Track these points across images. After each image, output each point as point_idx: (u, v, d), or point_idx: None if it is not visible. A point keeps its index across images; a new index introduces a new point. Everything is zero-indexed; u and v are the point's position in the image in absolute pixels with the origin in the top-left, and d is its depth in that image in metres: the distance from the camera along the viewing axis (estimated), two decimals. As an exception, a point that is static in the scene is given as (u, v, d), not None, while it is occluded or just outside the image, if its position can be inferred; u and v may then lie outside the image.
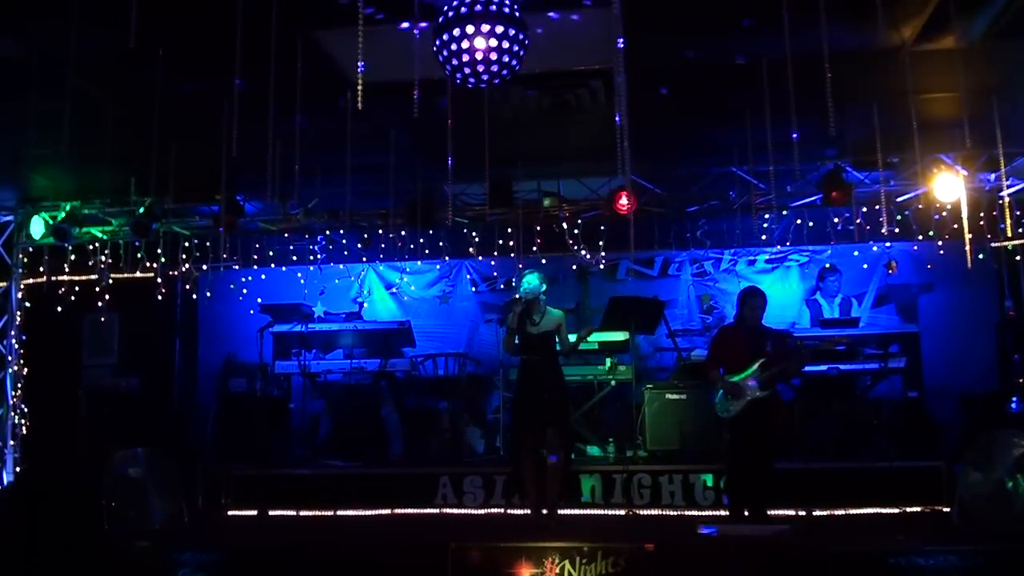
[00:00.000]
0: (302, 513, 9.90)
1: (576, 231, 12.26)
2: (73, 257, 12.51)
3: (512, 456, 9.15)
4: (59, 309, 12.62)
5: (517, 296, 8.51)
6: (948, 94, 8.44)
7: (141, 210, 11.68)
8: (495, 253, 12.70)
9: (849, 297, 11.62)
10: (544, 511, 8.48)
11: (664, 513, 9.40)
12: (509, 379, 11.25)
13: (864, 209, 11.72)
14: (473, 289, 13.56)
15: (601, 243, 12.32)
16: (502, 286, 13.34)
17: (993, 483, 7.47)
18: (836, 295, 11.52)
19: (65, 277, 12.67)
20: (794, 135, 8.35)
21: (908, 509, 9.03)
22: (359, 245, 12.76)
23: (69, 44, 7.40)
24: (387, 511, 9.79)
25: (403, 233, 12.33)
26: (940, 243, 11.83)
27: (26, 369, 12.52)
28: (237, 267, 13.17)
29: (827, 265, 11.77)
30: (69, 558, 7.72)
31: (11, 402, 12.11)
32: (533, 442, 8.52)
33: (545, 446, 8.45)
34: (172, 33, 7.96)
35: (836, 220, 12.06)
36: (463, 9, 5.94)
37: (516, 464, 8.85)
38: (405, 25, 7.55)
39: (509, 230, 12.36)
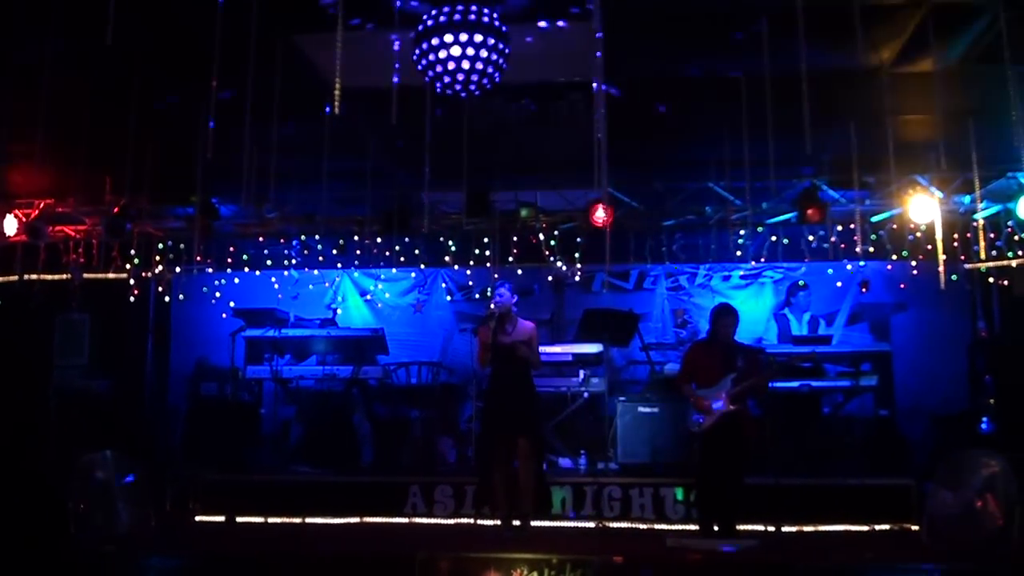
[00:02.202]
0: (270, 520, 9.84)
1: (553, 242, 12.27)
2: (46, 256, 12.39)
3: (480, 467, 9.12)
4: (31, 308, 12.51)
5: (491, 308, 8.48)
6: (924, 116, 8.50)
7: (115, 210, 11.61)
8: (471, 262, 12.67)
9: (817, 316, 11.68)
10: (516, 522, 8.46)
11: (634, 526, 9.39)
12: (482, 389, 11.20)
13: (839, 228, 11.80)
14: (448, 298, 13.52)
15: (577, 255, 12.34)
16: (477, 296, 13.30)
17: (962, 502, 7.51)
18: (805, 312, 11.58)
19: (37, 276, 12.56)
20: (770, 153, 8.42)
21: (877, 527, 9.05)
22: (334, 251, 12.73)
23: (46, 42, 7.35)
24: (356, 519, 9.74)
25: (379, 240, 12.29)
26: (914, 263, 11.90)
27: (-4, 367, 12.39)
28: (211, 270, 13.09)
29: (799, 282, 11.82)
30: (33, 562, 7.64)
31: (-22, 400, 11.97)
32: (503, 453, 8.49)
33: (516, 457, 8.44)
34: (150, 35, 7.93)
35: (811, 238, 12.14)
36: (444, 18, 5.95)
37: (484, 475, 8.82)
38: (388, 34, 7.54)
39: (486, 240, 12.34)
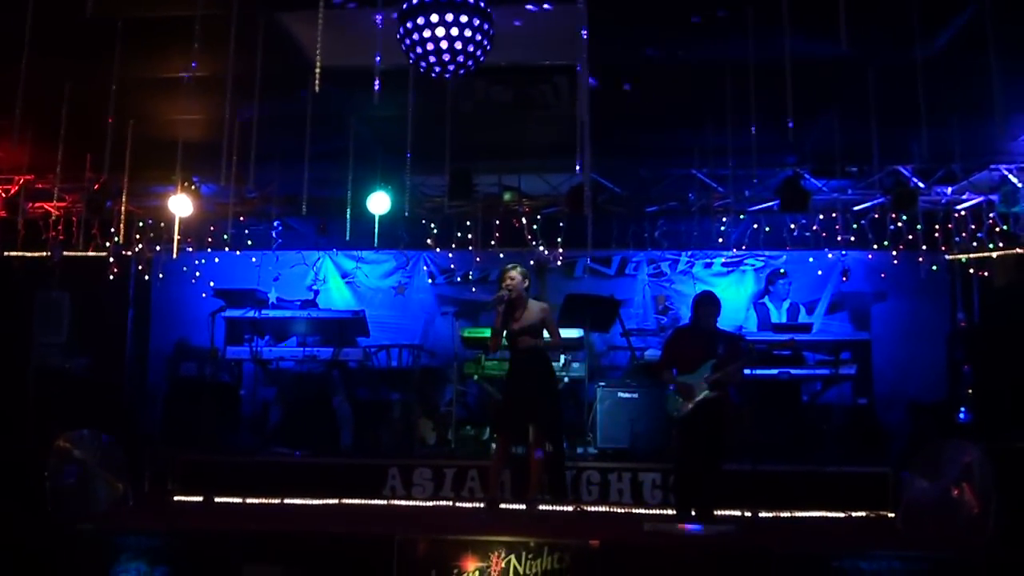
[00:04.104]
0: (249, 501, 9.80)
1: (535, 227, 12.27)
2: (25, 233, 12.29)
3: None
4: (10, 284, 12.45)
5: (498, 295, 8.43)
6: (905, 106, 8.51)
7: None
8: (453, 245, 12.68)
9: (797, 303, 11.74)
10: (524, 506, 8.54)
11: (612, 510, 9.42)
12: (463, 372, 11.24)
13: (821, 216, 11.85)
14: (430, 281, 13.51)
15: (559, 240, 12.35)
16: (459, 279, 13.33)
17: (939, 491, 7.55)
18: (784, 300, 11.62)
19: (17, 252, 12.48)
20: (753, 141, 8.42)
21: (854, 514, 9.09)
22: (316, 232, 12.69)
23: (25, 14, 7.27)
24: (335, 501, 9.73)
25: (361, 222, 12.24)
26: (895, 253, 11.95)
27: (-27, 345, 12.31)
28: (191, 249, 13.03)
29: (779, 270, 11.86)
30: (10, 540, 7.61)
31: (-43, 378, 11.89)
32: (509, 437, 8.55)
33: (527, 443, 8.46)
34: (130, 9, 7.87)
35: (792, 226, 12.18)
36: (427, -2, 5.92)
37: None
38: (371, 13, 7.49)
39: (468, 223, 12.35)
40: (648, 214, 12.38)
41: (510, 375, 8.65)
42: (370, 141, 10.76)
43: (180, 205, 11.25)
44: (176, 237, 10.73)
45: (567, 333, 11.02)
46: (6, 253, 12.41)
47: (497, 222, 12.35)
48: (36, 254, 12.59)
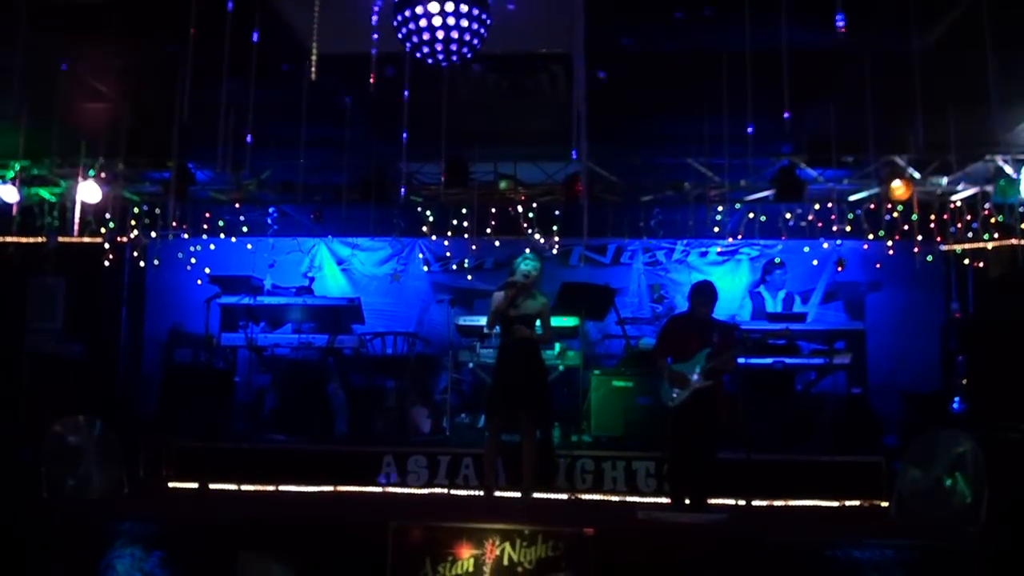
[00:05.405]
0: (243, 487, 9.82)
1: (531, 215, 12.26)
2: (20, 218, 12.26)
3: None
4: (5, 270, 12.43)
5: (513, 280, 8.41)
6: (904, 97, 8.50)
7: (92, 172, 11.52)
8: (449, 233, 12.65)
9: (792, 293, 11.74)
10: (519, 494, 8.52)
11: (606, 498, 9.44)
12: (458, 360, 11.25)
13: (816, 206, 11.84)
14: (425, 268, 13.51)
15: (555, 228, 12.35)
16: (455, 267, 13.33)
17: (932, 480, 7.57)
18: (780, 289, 11.62)
19: (12, 238, 12.45)
20: (749, 129, 8.41)
21: (847, 503, 9.13)
22: (311, 219, 12.68)
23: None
24: (330, 488, 9.74)
25: (356, 209, 12.22)
26: (890, 243, 11.95)
27: (-33, 331, 12.28)
28: (186, 236, 13.01)
29: (775, 260, 11.86)
30: (5, 525, 7.61)
31: (-49, 364, 11.87)
32: (501, 424, 8.55)
33: (516, 430, 8.48)
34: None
35: (788, 216, 12.16)
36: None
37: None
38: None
39: (464, 211, 12.32)
40: (643, 202, 12.36)
41: (500, 361, 8.64)
42: (366, 128, 10.73)
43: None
44: (173, 222, 10.71)
45: (563, 322, 11.05)
46: (1, 239, 12.37)
47: (493, 210, 12.33)
48: (31, 239, 12.56)
